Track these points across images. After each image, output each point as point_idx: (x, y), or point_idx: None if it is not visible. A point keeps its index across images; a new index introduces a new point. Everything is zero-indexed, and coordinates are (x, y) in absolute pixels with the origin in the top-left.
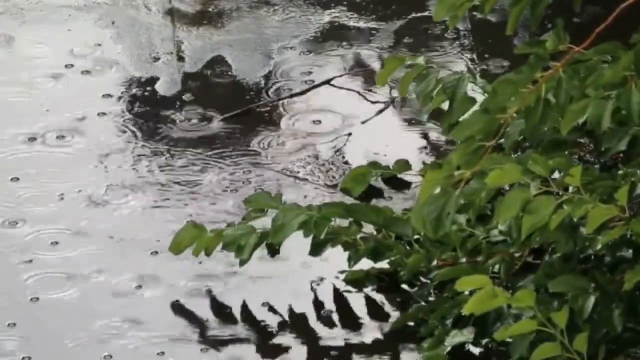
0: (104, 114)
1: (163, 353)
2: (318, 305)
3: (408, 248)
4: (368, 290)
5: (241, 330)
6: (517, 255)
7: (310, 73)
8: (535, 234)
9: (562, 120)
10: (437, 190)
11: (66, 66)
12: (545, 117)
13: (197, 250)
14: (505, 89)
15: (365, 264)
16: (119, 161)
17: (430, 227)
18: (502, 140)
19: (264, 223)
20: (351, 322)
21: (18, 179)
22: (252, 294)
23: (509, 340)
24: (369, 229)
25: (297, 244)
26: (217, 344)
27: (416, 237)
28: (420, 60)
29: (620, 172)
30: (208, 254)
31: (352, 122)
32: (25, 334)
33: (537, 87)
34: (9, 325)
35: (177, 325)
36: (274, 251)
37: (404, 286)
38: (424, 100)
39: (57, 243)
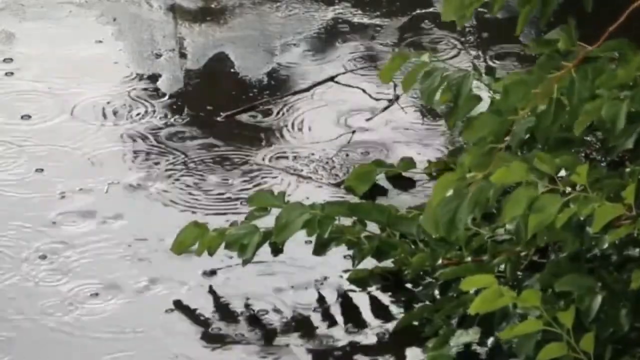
0: (105, 112)
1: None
2: (321, 304)
3: (412, 247)
4: (372, 289)
5: (244, 329)
6: (522, 254)
7: (314, 70)
8: (541, 233)
9: (576, 121)
10: (450, 193)
11: (66, 64)
12: (557, 118)
13: (199, 250)
14: (516, 90)
15: (369, 263)
16: (120, 159)
17: (443, 230)
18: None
19: (266, 222)
20: (355, 321)
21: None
22: (255, 293)
23: (515, 339)
24: (373, 227)
25: (300, 242)
26: (220, 343)
27: (420, 235)
28: (425, 57)
29: (627, 170)
30: (211, 254)
31: (356, 119)
32: None
33: (548, 88)
34: None
35: (178, 325)
36: (277, 250)
37: (408, 285)
38: (428, 97)
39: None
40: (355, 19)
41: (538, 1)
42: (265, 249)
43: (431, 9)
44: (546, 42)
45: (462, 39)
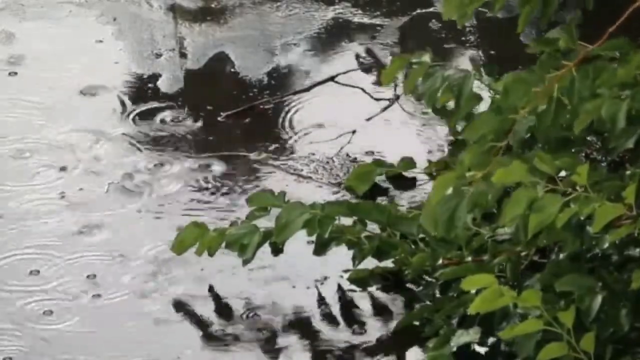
0: (106, 112)
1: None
2: (322, 304)
3: (413, 246)
4: (372, 289)
5: (244, 329)
6: (523, 254)
7: (314, 70)
8: (542, 233)
9: (576, 120)
10: (449, 191)
11: (67, 63)
12: (557, 117)
13: (199, 250)
14: (516, 88)
15: (369, 263)
16: (120, 159)
17: (441, 228)
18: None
19: (267, 222)
20: (355, 321)
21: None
22: (255, 293)
23: (515, 339)
24: (373, 227)
25: (300, 242)
26: (220, 343)
27: (421, 235)
28: (426, 58)
29: (628, 171)
30: (211, 254)
31: (356, 119)
32: None
33: (549, 87)
34: None
35: (179, 326)
36: (277, 250)
37: (409, 285)
38: (430, 98)
39: None
40: (356, 19)
41: (539, 1)
42: (266, 248)
43: (431, 9)
44: (547, 41)
45: (463, 39)
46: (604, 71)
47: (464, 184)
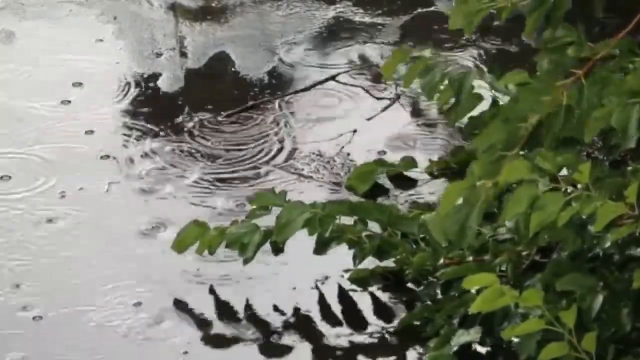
0: (106, 111)
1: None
2: (322, 304)
3: (414, 246)
4: (373, 288)
5: (245, 329)
6: (524, 253)
7: (315, 69)
8: (543, 232)
9: (586, 128)
10: (459, 201)
11: (67, 64)
12: (566, 125)
13: (200, 249)
14: (525, 97)
15: (370, 262)
16: (120, 158)
17: (452, 238)
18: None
19: (267, 221)
20: (356, 321)
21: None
22: (256, 293)
23: (516, 339)
24: (374, 226)
25: (301, 241)
26: (221, 343)
27: (422, 235)
28: (426, 52)
29: (630, 169)
30: (211, 252)
31: (357, 119)
32: None
33: (558, 96)
34: None
35: (179, 326)
36: (277, 249)
37: (410, 285)
38: (429, 92)
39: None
40: (357, 18)
41: (547, 7)
42: (266, 248)
43: (432, 8)
44: (555, 49)
45: (464, 38)
46: (613, 80)
47: (474, 193)
